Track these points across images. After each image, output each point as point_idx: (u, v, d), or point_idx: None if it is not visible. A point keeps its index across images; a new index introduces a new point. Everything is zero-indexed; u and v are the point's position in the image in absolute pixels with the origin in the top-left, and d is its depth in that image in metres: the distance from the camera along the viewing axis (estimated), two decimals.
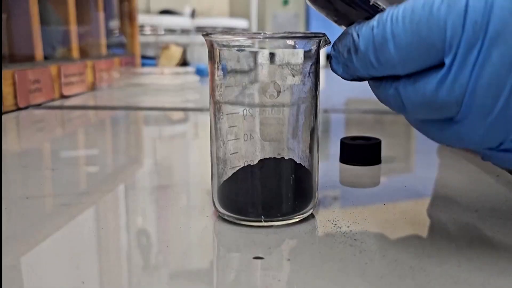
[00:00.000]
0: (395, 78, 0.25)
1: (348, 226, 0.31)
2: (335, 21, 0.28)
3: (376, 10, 0.26)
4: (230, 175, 0.31)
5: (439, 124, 0.25)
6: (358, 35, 0.25)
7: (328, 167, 0.46)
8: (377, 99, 0.28)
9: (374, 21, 0.25)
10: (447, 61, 0.23)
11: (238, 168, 0.30)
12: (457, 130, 0.25)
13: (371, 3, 0.26)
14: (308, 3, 0.28)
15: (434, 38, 0.23)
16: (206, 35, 0.30)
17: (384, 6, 0.26)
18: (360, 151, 0.46)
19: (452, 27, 0.22)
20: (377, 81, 0.26)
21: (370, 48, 0.25)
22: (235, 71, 0.30)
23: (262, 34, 0.29)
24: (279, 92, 0.29)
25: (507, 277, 0.25)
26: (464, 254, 0.27)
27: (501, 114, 0.23)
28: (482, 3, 0.22)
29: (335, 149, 0.49)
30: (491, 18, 0.22)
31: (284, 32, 0.29)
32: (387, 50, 0.24)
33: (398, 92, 0.25)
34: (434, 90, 0.24)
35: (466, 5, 0.22)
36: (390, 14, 0.24)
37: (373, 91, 0.27)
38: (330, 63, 0.28)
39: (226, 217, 0.31)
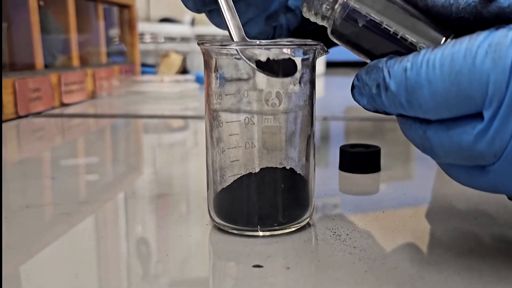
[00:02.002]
0: (425, 120, 0.24)
1: (347, 234, 0.31)
2: (360, 55, 0.28)
3: (403, 44, 0.25)
4: (225, 185, 0.31)
5: (470, 170, 0.24)
6: (389, 72, 0.24)
7: (327, 175, 0.46)
8: None
9: (407, 62, 0.24)
10: (487, 115, 0.22)
11: (234, 177, 0.30)
12: (490, 179, 0.24)
13: (398, 36, 0.25)
14: (332, 38, 0.28)
15: (474, 91, 0.22)
16: (201, 43, 0.30)
17: (413, 39, 0.25)
18: (360, 159, 0.46)
19: (495, 83, 0.21)
20: (404, 118, 0.26)
21: (402, 90, 0.24)
22: (231, 80, 0.30)
23: (258, 43, 0.29)
24: (281, 100, 0.30)
25: (507, 285, 0.25)
26: (463, 262, 0.27)
27: None
28: None
29: (334, 156, 0.49)
30: None
31: (281, 41, 0.29)
32: (421, 95, 0.23)
33: (427, 136, 0.24)
34: (471, 141, 0.23)
35: None
36: (426, 58, 0.23)
37: (400, 126, 0.27)
38: (353, 92, 0.27)
39: (221, 227, 0.31)
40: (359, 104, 0.27)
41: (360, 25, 0.26)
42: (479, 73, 0.21)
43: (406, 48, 0.25)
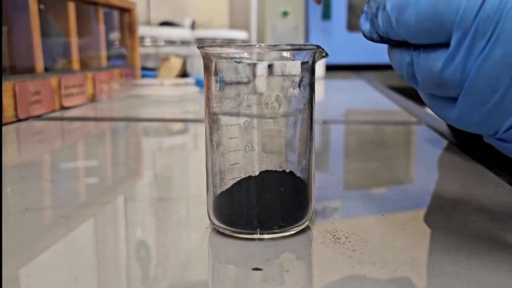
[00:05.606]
0: (413, 47, 0.27)
1: (347, 237, 0.31)
2: None
3: None
4: (225, 188, 0.31)
5: (444, 102, 0.27)
6: None
7: (327, 178, 0.46)
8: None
9: None
10: (452, 41, 0.24)
11: (234, 180, 0.31)
12: (456, 112, 0.26)
13: None
14: None
15: (447, 17, 0.24)
16: (201, 47, 0.30)
17: None
18: None
19: (465, 13, 0.23)
20: (394, 46, 0.28)
21: (394, 8, 0.26)
22: (231, 83, 0.30)
23: (257, 46, 0.29)
24: (281, 104, 0.30)
25: None
26: (463, 265, 0.27)
27: (495, 107, 0.24)
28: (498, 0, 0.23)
29: (334, 159, 0.49)
30: (502, 16, 0.22)
31: (280, 45, 0.30)
32: (406, 14, 0.25)
33: (413, 62, 0.27)
34: (440, 67, 0.25)
35: None
36: None
37: (388, 55, 0.29)
38: (360, 18, 0.29)
39: (220, 230, 0.31)
40: (362, 30, 0.29)
41: None
42: (457, 2, 0.23)
43: None
